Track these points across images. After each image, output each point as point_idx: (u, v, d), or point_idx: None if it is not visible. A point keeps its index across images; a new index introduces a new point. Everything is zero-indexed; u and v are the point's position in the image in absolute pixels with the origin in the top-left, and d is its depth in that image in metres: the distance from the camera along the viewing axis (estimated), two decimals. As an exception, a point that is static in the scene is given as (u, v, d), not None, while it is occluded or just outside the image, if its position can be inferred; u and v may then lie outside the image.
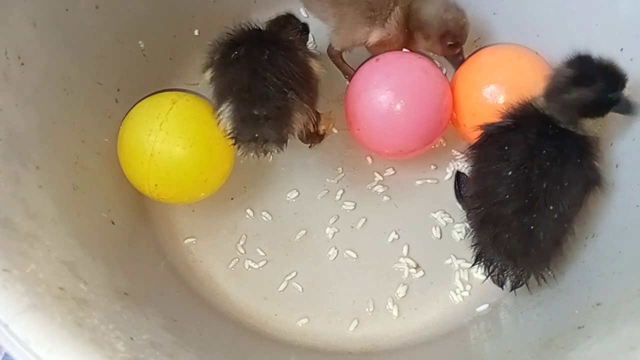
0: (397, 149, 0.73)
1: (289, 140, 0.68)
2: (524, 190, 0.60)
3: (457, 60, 0.76)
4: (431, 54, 0.78)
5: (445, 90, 0.72)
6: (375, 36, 0.73)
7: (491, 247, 0.63)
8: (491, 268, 0.64)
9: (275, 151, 0.68)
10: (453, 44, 0.74)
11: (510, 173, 0.60)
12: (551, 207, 0.59)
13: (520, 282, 0.64)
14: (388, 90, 0.70)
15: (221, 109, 0.67)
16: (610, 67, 0.59)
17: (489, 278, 0.66)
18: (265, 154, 0.68)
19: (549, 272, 0.63)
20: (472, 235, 0.65)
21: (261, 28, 0.71)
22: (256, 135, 0.66)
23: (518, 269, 0.63)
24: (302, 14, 0.83)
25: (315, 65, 0.71)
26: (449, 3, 0.73)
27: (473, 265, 0.66)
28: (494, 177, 0.61)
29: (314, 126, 0.73)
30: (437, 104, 0.71)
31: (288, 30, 0.73)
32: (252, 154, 0.68)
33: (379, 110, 0.70)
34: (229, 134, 0.67)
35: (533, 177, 0.59)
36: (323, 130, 0.77)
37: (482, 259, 0.65)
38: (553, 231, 0.60)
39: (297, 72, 0.67)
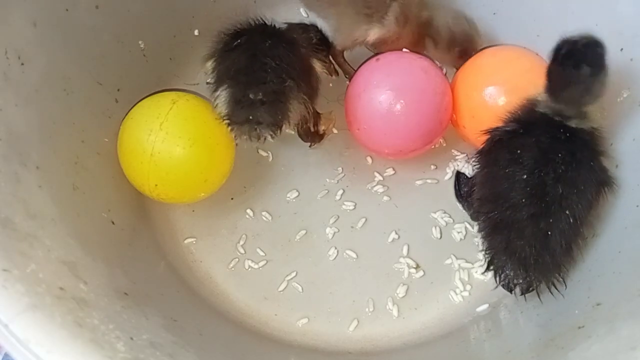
0: (397, 149, 0.73)
1: (284, 131, 0.67)
2: (539, 194, 0.59)
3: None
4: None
5: (445, 90, 0.72)
6: (374, 34, 0.73)
7: (503, 254, 0.62)
8: (502, 276, 0.64)
9: (269, 136, 0.66)
10: (461, 55, 0.74)
11: (524, 177, 0.60)
12: (567, 212, 0.59)
13: (531, 289, 0.64)
14: (388, 90, 0.70)
15: (217, 93, 0.66)
16: (584, 38, 0.59)
17: (500, 285, 0.65)
18: (259, 139, 0.67)
19: (560, 279, 0.62)
20: (483, 241, 0.65)
21: (266, 22, 0.70)
22: (250, 117, 0.65)
23: (530, 277, 0.62)
24: (302, 14, 0.83)
25: (317, 64, 0.71)
26: (459, 14, 0.73)
27: (484, 272, 0.66)
28: (507, 181, 0.61)
29: (314, 125, 0.73)
30: (437, 104, 0.71)
31: (301, 36, 0.73)
32: (245, 137, 0.67)
33: (379, 110, 0.70)
34: (223, 117, 0.66)
35: (548, 180, 0.59)
36: (323, 130, 0.77)
37: (493, 267, 0.64)
38: (568, 236, 0.60)
39: (297, 64, 0.67)
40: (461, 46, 0.74)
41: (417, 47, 0.76)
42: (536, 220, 0.59)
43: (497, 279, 0.64)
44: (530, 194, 0.60)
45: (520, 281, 0.63)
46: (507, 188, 0.61)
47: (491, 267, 0.64)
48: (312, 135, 0.75)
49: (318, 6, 0.76)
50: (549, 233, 0.59)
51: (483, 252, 0.65)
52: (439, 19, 0.73)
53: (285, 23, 0.74)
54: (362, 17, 0.72)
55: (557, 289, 0.62)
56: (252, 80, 0.65)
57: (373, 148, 0.75)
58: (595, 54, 0.58)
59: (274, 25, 0.71)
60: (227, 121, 0.67)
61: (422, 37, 0.75)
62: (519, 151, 0.61)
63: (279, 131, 0.67)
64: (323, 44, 0.75)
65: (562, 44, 0.59)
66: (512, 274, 0.62)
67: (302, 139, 0.76)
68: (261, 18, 0.70)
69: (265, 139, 0.67)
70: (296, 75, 0.66)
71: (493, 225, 0.63)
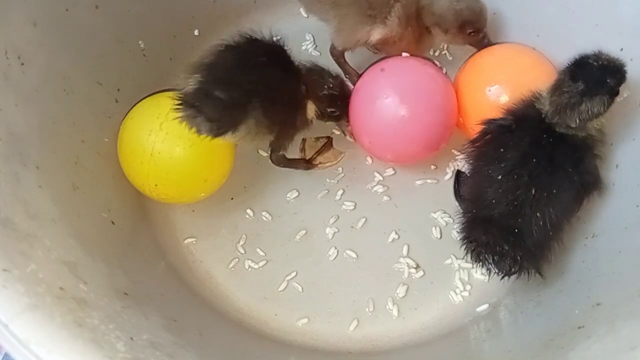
0: (407, 157, 0.74)
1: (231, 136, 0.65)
2: (510, 197, 0.60)
3: (482, 45, 0.75)
4: (434, 55, 0.78)
5: (451, 95, 0.72)
6: (377, 34, 0.73)
7: (482, 234, 0.63)
8: (483, 249, 0.64)
9: (205, 133, 0.63)
10: (474, 31, 0.73)
11: (500, 177, 0.61)
12: (538, 215, 0.60)
13: (513, 270, 0.63)
14: (395, 100, 0.69)
15: (191, 77, 0.64)
16: (610, 61, 0.59)
17: (483, 266, 0.65)
18: (194, 128, 0.63)
19: (541, 275, 0.64)
20: (462, 233, 0.66)
21: (283, 46, 0.68)
22: (198, 104, 0.62)
23: (510, 254, 0.62)
24: (303, 14, 0.83)
25: (310, 108, 0.70)
26: None
27: (462, 246, 0.66)
28: (486, 180, 0.62)
29: (301, 151, 0.73)
30: (445, 110, 0.71)
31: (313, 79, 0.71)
32: (182, 117, 0.63)
33: (388, 121, 0.69)
34: (179, 95, 0.63)
35: (522, 184, 0.60)
36: (319, 161, 0.76)
37: (474, 244, 0.64)
38: (537, 238, 0.61)
39: (284, 94, 0.66)
40: (472, 25, 0.72)
41: (420, 44, 0.75)
42: (505, 220, 0.61)
43: (473, 255, 0.65)
44: (502, 196, 0.61)
45: (504, 257, 0.63)
46: (485, 187, 0.62)
47: (471, 243, 0.65)
48: (292, 162, 0.75)
49: (319, 8, 0.75)
50: (517, 231, 0.60)
51: (461, 240, 0.66)
52: (442, 2, 0.72)
53: (314, 64, 0.72)
54: (366, 18, 0.72)
55: (541, 275, 0.63)
56: (224, 79, 0.64)
57: (385, 158, 0.76)
58: (602, 78, 0.58)
59: (286, 52, 0.68)
60: (179, 98, 0.63)
61: (426, 31, 0.74)
62: (502, 149, 0.62)
63: (217, 136, 0.64)
64: (334, 99, 0.72)
65: (591, 54, 0.60)
66: (491, 242, 0.63)
67: (272, 162, 0.74)
68: (281, 41, 0.68)
69: (200, 132, 0.63)
70: (270, 101, 0.65)
71: (472, 221, 0.65)
